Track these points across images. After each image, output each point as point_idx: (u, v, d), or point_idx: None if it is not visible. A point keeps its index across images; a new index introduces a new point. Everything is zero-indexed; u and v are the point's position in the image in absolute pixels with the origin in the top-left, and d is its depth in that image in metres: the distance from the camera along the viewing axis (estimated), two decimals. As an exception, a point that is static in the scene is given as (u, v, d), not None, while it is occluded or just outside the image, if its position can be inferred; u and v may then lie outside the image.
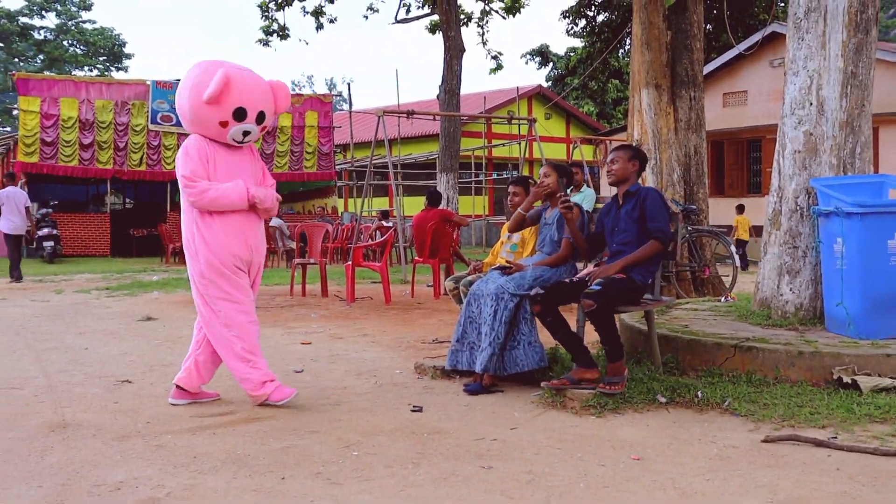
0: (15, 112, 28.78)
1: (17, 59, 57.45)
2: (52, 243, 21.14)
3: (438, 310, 9.63)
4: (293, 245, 17.58)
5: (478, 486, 3.48)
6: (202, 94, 4.84)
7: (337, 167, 27.69)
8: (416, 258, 11.65)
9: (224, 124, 4.92)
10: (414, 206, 30.24)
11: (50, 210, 22.82)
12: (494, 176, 30.44)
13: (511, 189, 6.23)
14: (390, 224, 17.43)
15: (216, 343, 4.94)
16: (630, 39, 27.99)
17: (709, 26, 26.59)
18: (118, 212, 30.21)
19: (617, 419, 4.55)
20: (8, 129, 54.39)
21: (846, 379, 4.75)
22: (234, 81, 4.90)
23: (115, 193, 32.78)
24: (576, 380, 4.90)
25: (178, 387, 5.04)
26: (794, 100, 6.04)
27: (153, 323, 8.75)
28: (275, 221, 19.70)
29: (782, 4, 24.93)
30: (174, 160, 20.93)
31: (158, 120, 24.91)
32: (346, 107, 31.42)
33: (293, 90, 68.50)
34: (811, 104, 5.95)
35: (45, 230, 21.37)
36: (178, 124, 24.96)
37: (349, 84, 29.05)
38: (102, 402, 5.08)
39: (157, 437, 4.29)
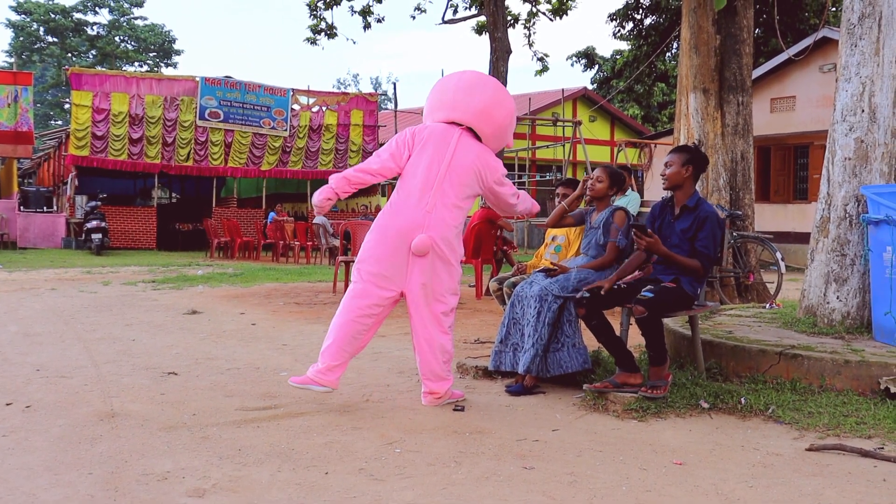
0: (67, 106, 29.27)
1: (70, 55, 58.51)
2: (99, 235, 21.48)
3: (480, 310, 9.65)
4: (336, 242, 17.70)
5: (519, 486, 3.50)
6: (511, 129, 5.22)
7: (381, 166, 27.70)
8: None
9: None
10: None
11: (98, 203, 23.22)
12: (538, 178, 30.37)
13: (560, 190, 6.24)
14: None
15: (440, 347, 4.95)
16: (678, 43, 27.71)
17: (757, 31, 26.28)
18: (164, 206, 30.70)
19: (659, 423, 4.54)
20: (60, 122, 55.43)
21: (894, 389, 4.69)
22: None
23: (162, 188, 33.30)
24: (619, 383, 4.89)
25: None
26: (846, 106, 5.97)
27: (198, 316, 8.87)
28: (319, 219, 19.85)
29: (834, 10, 24.58)
30: (221, 156, 21.21)
31: (206, 116, 25.24)
32: (391, 106, 31.52)
33: (339, 89, 68.88)
34: (863, 111, 5.87)
35: (94, 223, 21.74)
36: (226, 120, 25.34)
37: (395, 83, 29.17)
38: (149, 393, 5.17)
39: (203, 429, 4.36)
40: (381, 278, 4.86)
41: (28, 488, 3.41)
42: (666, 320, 6.03)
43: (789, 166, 20.48)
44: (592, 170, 6.94)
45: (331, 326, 4.93)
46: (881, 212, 5.43)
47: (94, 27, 60.14)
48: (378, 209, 27.35)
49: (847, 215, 5.89)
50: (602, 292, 4.90)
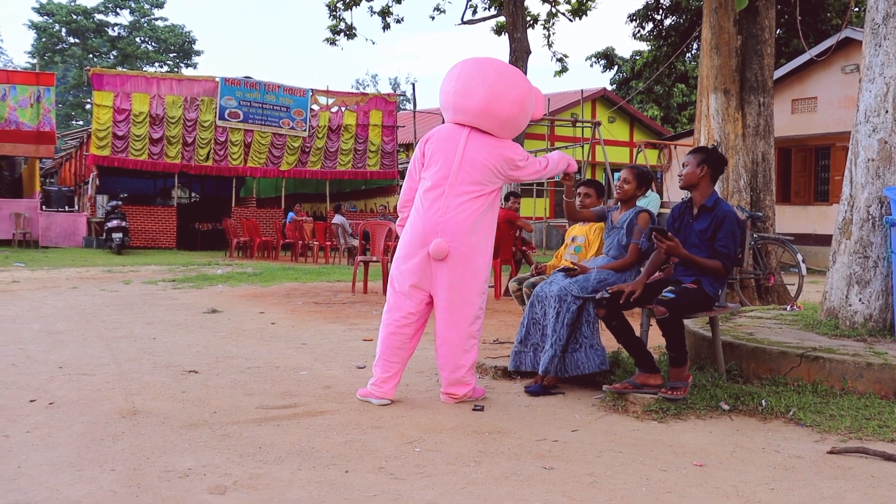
0: (88, 106, 29.55)
1: (91, 55, 58.94)
2: (120, 235, 21.63)
3: (499, 310, 9.65)
4: (355, 243, 17.75)
5: (539, 486, 3.50)
6: (529, 109, 5.04)
7: (400, 166, 27.88)
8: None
9: (515, 139, 5.22)
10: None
11: (119, 202, 23.38)
12: (556, 178, 30.27)
13: (581, 190, 6.23)
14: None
15: (462, 352, 4.96)
16: (698, 43, 27.53)
17: (779, 31, 26.13)
18: (184, 205, 30.85)
19: (679, 425, 4.52)
20: (81, 122, 55.84)
21: (916, 393, 4.66)
22: None
23: (182, 187, 33.47)
24: (638, 384, 4.88)
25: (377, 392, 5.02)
26: (870, 107, 5.93)
27: (218, 315, 8.91)
28: (337, 219, 19.93)
29: (857, 10, 24.41)
30: (240, 156, 21.30)
31: (226, 116, 25.35)
32: (409, 106, 31.50)
33: (357, 89, 69.04)
34: (887, 112, 5.83)
35: (115, 222, 21.89)
36: (245, 121, 25.45)
37: (413, 84, 29.20)
38: (170, 391, 5.20)
39: (224, 426, 4.38)
40: (410, 287, 4.96)
41: (52, 484, 3.44)
42: (686, 322, 6.00)
43: (810, 168, 20.35)
44: (613, 172, 6.96)
45: (378, 339, 5.08)
46: (904, 213, 5.39)
47: (115, 28, 60.58)
48: (396, 209, 27.36)
49: (870, 217, 5.85)
50: (632, 299, 4.90)
